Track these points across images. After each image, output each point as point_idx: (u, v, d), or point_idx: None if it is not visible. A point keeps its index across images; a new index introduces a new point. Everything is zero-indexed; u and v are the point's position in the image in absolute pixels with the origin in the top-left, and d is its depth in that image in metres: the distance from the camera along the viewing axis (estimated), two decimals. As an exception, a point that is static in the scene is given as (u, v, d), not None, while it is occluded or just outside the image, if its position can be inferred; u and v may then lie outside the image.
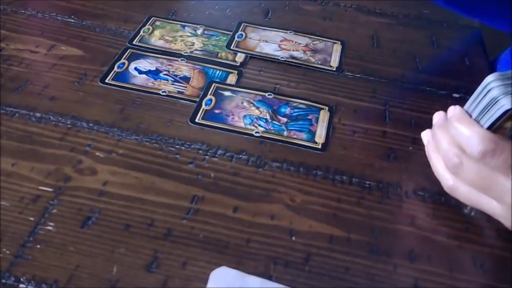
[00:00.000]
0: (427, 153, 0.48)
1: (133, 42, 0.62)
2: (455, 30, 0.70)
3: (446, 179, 0.45)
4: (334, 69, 0.61)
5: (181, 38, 0.63)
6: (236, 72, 0.59)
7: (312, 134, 0.52)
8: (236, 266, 0.41)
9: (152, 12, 0.67)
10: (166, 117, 0.53)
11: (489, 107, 0.42)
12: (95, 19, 0.65)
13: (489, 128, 0.42)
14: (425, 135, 0.49)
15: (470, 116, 0.43)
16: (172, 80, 0.57)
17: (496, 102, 0.41)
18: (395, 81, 0.60)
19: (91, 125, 0.51)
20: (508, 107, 0.40)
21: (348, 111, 0.56)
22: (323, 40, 0.65)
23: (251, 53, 0.62)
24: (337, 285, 0.41)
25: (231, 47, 0.62)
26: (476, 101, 0.43)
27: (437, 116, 0.47)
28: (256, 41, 0.63)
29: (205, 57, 0.61)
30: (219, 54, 0.61)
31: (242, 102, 0.55)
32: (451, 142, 0.44)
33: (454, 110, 0.45)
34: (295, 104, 0.55)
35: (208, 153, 0.50)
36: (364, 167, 0.50)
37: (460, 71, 0.62)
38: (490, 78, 0.42)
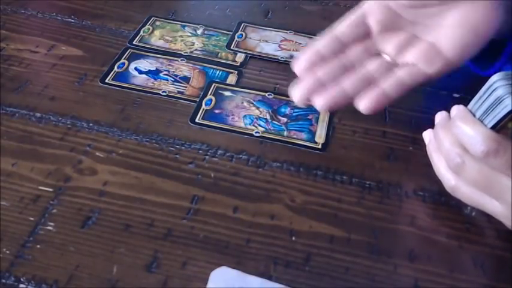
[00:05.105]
0: (428, 152, 0.48)
1: (134, 42, 0.62)
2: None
3: (448, 179, 0.45)
4: (334, 69, 0.61)
5: (181, 38, 0.63)
6: (236, 72, 0.59)
7: (312, 134, 0.52)
8: (236, 266, 0.41)
9: (152, 12, 0.67)
10: (166, 117, 0.53)
11: (493, 107, 0.42)
12: (95, 19, 0.65)
13: (493, 128, 0.42)
14: (427, 135, 0.49)
15: (474, 116, 0.43)
16: (172, 80, 0.57)
17: (501, 101, 0.41)
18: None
19: (91, 125, 0.51)
20: (511, 107, 0.40)
21: (348, 111, 0.55)
22: (323, 40, 0.65)
23: (251, 53, 0.62)
24: (337, 285, 0.41)
25: (231, 47, 0.62)
26: (481, 100, 0.43)
27: (440, 116, 0.47)
28: (256, 41, 0.63)
29: (205, 57, 0.61)
30: (219, 54, 0.61)
31: (242, 102, 0.55)
32: (454, 141, 0.44)
33: (457, 109, 0.45)
34: (295, 104, 0.55)
35: (208, 153, 0.50)
36: (364, 167, 0.50)
37: (460, 71, 0.62)
38: (495, 77, 0.42)
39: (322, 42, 0.52)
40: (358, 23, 0.52)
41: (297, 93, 0.50)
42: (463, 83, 0.60)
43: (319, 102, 0.49)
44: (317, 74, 0.50)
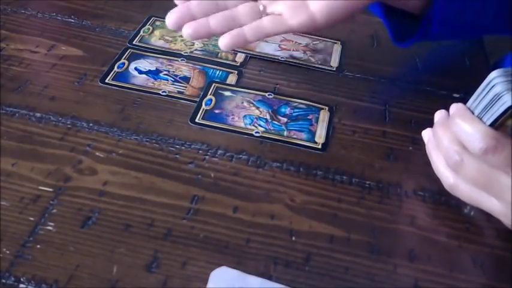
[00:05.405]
0: (427, 151, 0.48)
1: (134, 42, 0.62)
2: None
3: (447, 177, 0.45)
4: (334, 69, 0.61)
5: (181, 38, 0.63)
6: (236, 72, 0.59)
7: (312, 134, 0.53)
8: (236, 266, 0.41)
9: (152, 12, 0.67)
10: (166, 117, 0.53)
11: (492, 103, 0.41)
12: (95, 19, 0.65)
13: (491, 125, 0.42)
14: (426, 134, 0.49)
15: (473, 113, 0.43)
16: (172, 80, 0.57)
17: (499, 98, 0.41)
18: (395, 81, 0.60)
19: (91, 125, 0.51)
20: (510, 103, 0.40)
21: (348, 111, 0.56)
22: (323, 40, 0.65)
23: (251, 53, 0.62)
24: (337, 285, 0.41)
25: (231, 47, 0.62)
26: (480, 97, 0.43)
27: (439, 114, 0.48)
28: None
29: (205, 57, 0.61)
30: (219, 54, 0.61)
31: (242, 102, 0.55)
32: (452, 139, 0.44)
33: (456, 106, 0.45)
34: (295, 104, 0.56)
35: (208, 153, 0.50)
36: (364, 167, 0.50)
37: (460, 71, 0.62)
38: (494, 74, 0.42)
39: None
40: None
41: (170, 18, 0.53)
42: (463, 83, 0.60)
43: (186, 31, 0.52)
44: (191, 6, 0.53)
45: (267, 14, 0.53)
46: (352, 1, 0.52)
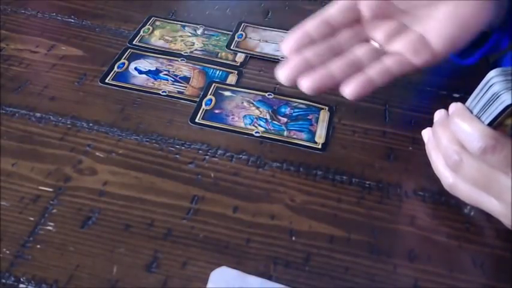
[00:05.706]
0: (427, 151, 0.48)
1: (134, 42, 0.62)
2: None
3: (446, 176, 0.45)
4: (334, 69, 0.61)
5: (181, 38, 0.63)
6: (236, 72, 0.59)
7: (312, 134, 0.53)
8: (236, 266, 0.41)
9: (152, 12, 0.67)
10: (166, 117, 0.53)
11: (490, 103, 0.42)
12: (95, 19, 0.65)
13: (490, 124, 0.42)
14: (426, 134, 0.49)
15: (472, 112, 0.43)
16: (172, 80, 0.57)
17: (498, 97, 0.41)
18: (395, 81, 0.60)
19: (91, 125, 0.51)
20: (508, 102, 0.40)
21: (348, 111, 0.56)
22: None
23: (251, 53, 0.62)
24: (337, 285, 0.41)
25: (231, 47, 0.62)
26: (478, 96, 0.43)
27: (439, 114, 0.48)
28: (256, 41, 0.63)
29: (205, 57, 0.61)
30: (219, 54, 0.61)
31: (242, 102, 0.55)
32: (452, 139, 0.44)
33: (455, 106, 0.45)
34: (295, 104, 0.56)
35: (208, 153, 0.50)
36: (364, 167, 0.50)
37: (460, 71, 0.62)
38: (492, 73, 0.42)
39: (311, 24, 0.52)
40: (349, 7, 0.52)
41: (284, 74, 0.49)
42: (463, 83, 0.60)
43: (306, 84, 0.48)
44: (305, 55, 0.49)
45: (386, 54, 0.50)
46: (469, 24, 0.49)
